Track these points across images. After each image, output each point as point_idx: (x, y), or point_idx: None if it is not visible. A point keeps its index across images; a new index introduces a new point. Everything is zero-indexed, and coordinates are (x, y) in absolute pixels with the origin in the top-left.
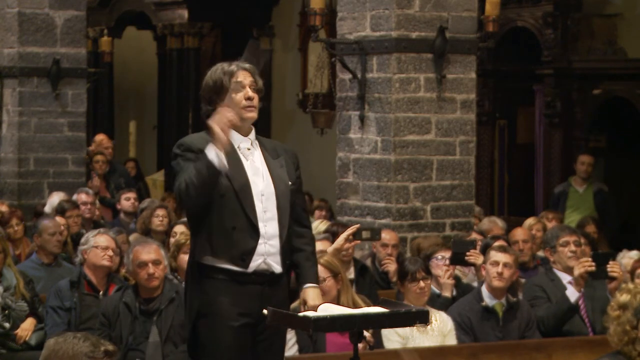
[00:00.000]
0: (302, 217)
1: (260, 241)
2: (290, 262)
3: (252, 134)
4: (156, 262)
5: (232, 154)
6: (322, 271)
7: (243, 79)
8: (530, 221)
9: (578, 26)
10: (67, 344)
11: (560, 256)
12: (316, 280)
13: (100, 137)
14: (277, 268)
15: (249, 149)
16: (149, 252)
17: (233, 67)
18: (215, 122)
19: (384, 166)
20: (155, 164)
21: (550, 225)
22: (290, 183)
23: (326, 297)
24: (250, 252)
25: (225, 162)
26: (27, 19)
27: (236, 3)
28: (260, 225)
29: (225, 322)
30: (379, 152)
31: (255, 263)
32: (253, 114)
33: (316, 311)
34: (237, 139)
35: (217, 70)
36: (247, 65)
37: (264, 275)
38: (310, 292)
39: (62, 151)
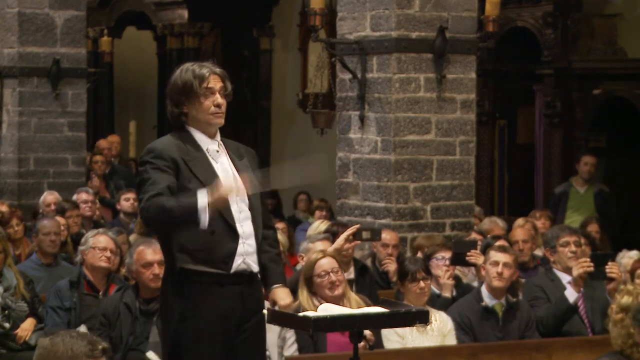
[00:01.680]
0: (266, 218)
1: (239, 242)
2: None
3: (218, 136)
4: (161, 263)
5: (205, 165)
6: (334, 263)
7: (214, 85)
8: (519, 221)
9: (578, 26)
10: (65, 343)
11: (561, 256)
12: (283, 280)
13: (113, 139)
14: (255, 267)
15: (217, 151)
16: (154, 252)
17: (204, 71)
18: (223, 192)
19: (384, 166)
20: None
21: (539, 224)
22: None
23: (339, 290)
24: (231, 255)
25: (207, 223)
26: (27, 19)
27: (236, 3)
28: (237, 226)
29: (209, 324)
30: (379, 152)
31: (236, 264)
32: (220, 120)
33: (288, 310)
34: (205, 141)
35: (188, 71)
36: (218, 70)
37: (244, 275)
38: (280, 292)
39: (62, 151)
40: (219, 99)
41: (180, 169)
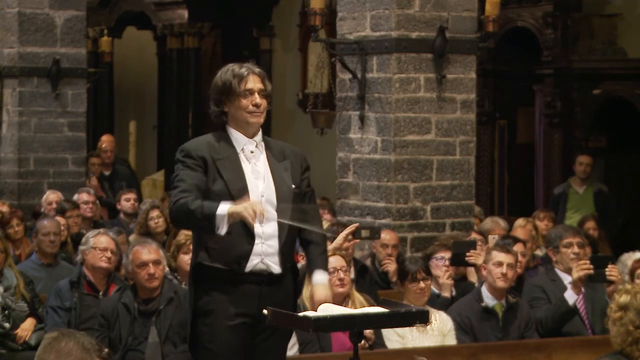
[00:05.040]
0: (312, 233)
1: (257, 241)
2: (291, 264)
3: (259, 136)
4: (156, 262)
5: (234, 165)
6: (343, 261)
7: (253, 85)
8: (520, 222)
9: (578, 26)
10: (77, 338)
11: (563, 257)
12: (326, 268)
13: (105, 138)
14: (276, 268)
15: (252, 152)
16: (149, 252)
17: (244, 70)
18: (250, 209)
19: (384, 166)
20: (155, 164)
21: (542, 224)
22: (293, 186)
23: (345, 288)
24: (245, 256)
25: (224, 231)
26: (27, 19)
27: (236, 3)
28: (256, 225)
29: (222, 321)
30: (379, 152)
31: (252, 263)
32: (258, 120)
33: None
34: (241, 141)
35: (228, 71)
36: (257, 70)
37: (262, 275)
38: (316, 290)
39: (62, 151)
40: (257, 98)
41: (208, 168)
